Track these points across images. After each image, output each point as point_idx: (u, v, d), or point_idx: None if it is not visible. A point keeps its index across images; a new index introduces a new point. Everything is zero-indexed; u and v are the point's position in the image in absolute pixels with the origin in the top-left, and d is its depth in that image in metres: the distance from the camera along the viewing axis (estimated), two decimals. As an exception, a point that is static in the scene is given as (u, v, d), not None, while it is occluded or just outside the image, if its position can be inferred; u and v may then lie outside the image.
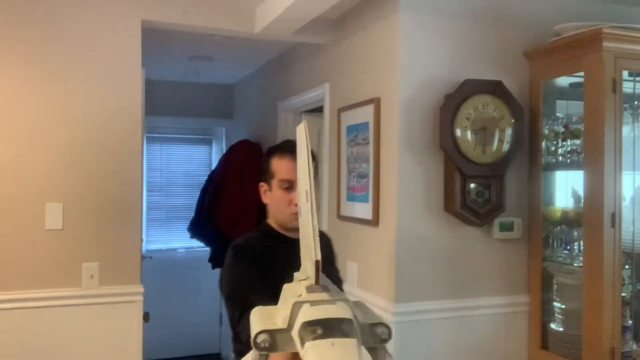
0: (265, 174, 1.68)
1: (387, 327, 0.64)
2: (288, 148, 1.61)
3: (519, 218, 2.40)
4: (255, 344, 0.60)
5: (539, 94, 2.37)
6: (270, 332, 0.61)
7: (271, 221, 1.71)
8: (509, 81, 2.31)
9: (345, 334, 0.57)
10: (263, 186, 1.70)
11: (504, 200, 2.28)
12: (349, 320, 0.58)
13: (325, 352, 0.55)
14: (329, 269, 1.69)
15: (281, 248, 1.58)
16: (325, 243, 1.83)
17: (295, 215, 1.49)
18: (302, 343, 0.57)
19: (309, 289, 0.64)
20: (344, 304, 0.61)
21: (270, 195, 1.66)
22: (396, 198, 2.21)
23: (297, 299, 0.62)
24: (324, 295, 0.63)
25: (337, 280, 1.81)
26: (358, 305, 0.68)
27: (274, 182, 1.63)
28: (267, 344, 0.60)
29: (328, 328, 0.57)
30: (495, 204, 2.27)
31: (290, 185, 1.58)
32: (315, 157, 1.62)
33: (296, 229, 1.51)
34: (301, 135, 0.70)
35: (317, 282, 0.61)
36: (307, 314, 0.59)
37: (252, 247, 1.65)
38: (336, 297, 0.63)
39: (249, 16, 2.73)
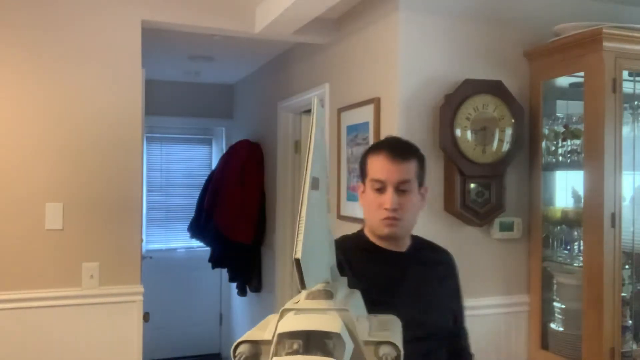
0: (361, 173, 1.52)
1: (396, 347, 0.55)
2: (386, 144, 1.47)
3: (519, 218, 2.40)
4: (234, 355, 0.54)
5: (539, 94, 2.37)
6: (253, 343, 0.54)
7: (366, 228, 1.53)
8: (509, 81, 2.31)
9: (326, 352, 0.48)
10: (360, 187, 1.53)
11: (504, 200, 2.28)
12: (336, 335, 0.49)
13: None
14: (436, 288, 1.51)
15: (371, 260, 1.45)
16: (443, 261, 1.60)
17: (386, 221, 1.39)
18: (272, 357, 0.50)
19: (309, 295, 0.56)
20: (336, 315, 0.52)
21: (364, 197, 1.49)
22: (396, 198, 2.21)
23: (289, 306, 0.55)
24: (318, 303, 0.55)
25: (449, 298, 1.57)
26: (371, 318, 0.60)
27: (367, 182, 1.46)
28: (244, 356, 0.53)
29: (307, 343, 0.49)
30: (495, 204, 2.27)
31: (382, 187, 1.40)
32: (423, 160, 1.47)
33: (390, 239, 1.44)
34: (312, 114, 0.61)
35: (301, 285, 0.50)
36: (286, 324, 0.51)
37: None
38: (336, 307, 0.54)
39: (249, 16, 2.73)
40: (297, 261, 0.48)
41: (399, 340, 0.56)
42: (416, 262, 1.49)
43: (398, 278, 1.44)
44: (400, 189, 1.39)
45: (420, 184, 1.45)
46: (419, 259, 1.50)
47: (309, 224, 0.51)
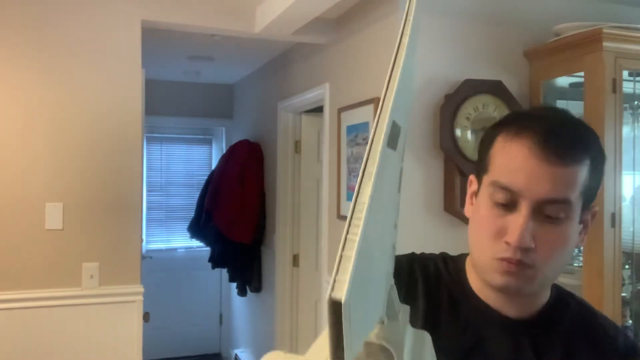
0: (478, 163, 0.84)
1: None
2: (539, 123, 0.76)
3: (519, 218, 2.40)
4: None
5: (539, 94, 2.37)
6: None
7: (469, 264, 0.90)
8: (509, 81, 2.31)
9: None
10: (472, 183, 0.86)
11: (504, 200, 2.28)
12: None
13: None
14: None
15: (455, 316, 0.84)
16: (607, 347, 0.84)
17: (504, 264, 0.76)
18: None
19: None
20: None
21: (474, 209, 0.84)
22: (396, 198, 2.21)
23: None
24: None
25: None
26: None
27: (484, 184, 0.80)
28: None
29: None
30: (495, 204, 2.26)
31: (511, 201, 0.75)
32: (600, 160, 0.79)
33: (505, 292, 0.79)
34: (406, 16, 0.37)
35: (337, 344, 0.29)
36: None
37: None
38: None
39: (249, 16, 2.73)
40: (338, 305, 0.28)
41: None
42: (542, 345, 0.81)
43: None
44: (547, 213, 0.74)
45: (586, 204, 0.79)
46: (552, 340, 0.82)
47: (370, 222, 0.31)
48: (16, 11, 2.34)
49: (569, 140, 0.74)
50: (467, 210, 0.86)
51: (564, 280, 2.32)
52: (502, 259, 0.75)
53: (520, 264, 0.74)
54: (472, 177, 0.85)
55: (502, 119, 0.83)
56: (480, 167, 0.82)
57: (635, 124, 2.22)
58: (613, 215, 2.04)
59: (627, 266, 2.18)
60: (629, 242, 2.17)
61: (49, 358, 2.37)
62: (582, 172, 0.74)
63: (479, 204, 0.80)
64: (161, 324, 4.57)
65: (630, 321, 2.19)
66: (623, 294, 2.12)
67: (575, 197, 0.74)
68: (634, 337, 2.20)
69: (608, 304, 2.03)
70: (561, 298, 0.88)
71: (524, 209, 0.73)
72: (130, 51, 2.50)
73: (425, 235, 2.26)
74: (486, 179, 0.79)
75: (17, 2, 2.34)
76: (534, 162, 0.72)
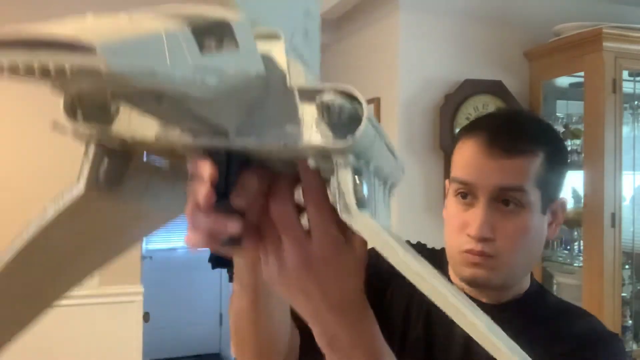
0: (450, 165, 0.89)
1: (353, 99, 0.37)
2: (488, 122, 0.87)
3: (519, 218, 2.40)
4: None
5: (539, 94, 2.37)
6: None
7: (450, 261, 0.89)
8: (509, 81, 2.31)
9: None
10: (447, 186, 0.89)
11: (504, 200, 2.28)
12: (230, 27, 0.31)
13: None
14: None
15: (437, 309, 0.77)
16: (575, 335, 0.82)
17: (468, 256, 0.79)
18: None
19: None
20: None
21: (446, 205, 0.88)
22: (396, 198, 2.21)
23: None
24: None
25: None
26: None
27: (450, 182, 0.86)
28: None
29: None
30: (495, 204, 2.26)
31: (468, 195, 0.80)
32: (558, 153, 0.84)
33: (474, 284, 0.81)
34: None
35: None
36: None
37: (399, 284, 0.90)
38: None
39: (249, 16, 2.73)
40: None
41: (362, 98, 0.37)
42: (516, 328, 0.76)
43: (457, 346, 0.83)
44: (503, 200, 0.78)
45: (549, 196, 0.81)
46: (518, 325, 0.79)
47: None
48: (16, 11, 2.34)
49: (514, 136, 0.79)
50: (444, 210, 0.89)
51: (564, 280, 2.32)
52: (466, 251, 0.79)
53: (483, 255, 0.78)
54: (447, 181, 0.88)
55: (465, 126, 0.90)
56: (450, 169, 0.87)
57: (635, 124, 2.22)
58: (613, 215, 2.04)
59: (627, 266, 2.19)
60: (629, 242, 2.17)
61: (49, 358, 2.36)
62: (533, 164, 0.78)
63: (448, 202, 0.86)
64: (161, 324, 4.56)
65: (631, 321, 2.19)
66: (623, 294, 2.12)
67: (529, 185, 0.77)
68: (633, 337, 2.20)
69: (608, 304, 2.03)
70: (539, 292, 0.89)
71: (481, 202, 0.78)
72: (130, 51, 2.50)
73: (425, 235, 2.25)
74: (450, 178, 0.84)
75: (17, 2, 2.34)
76: (482, 157, 0.78)
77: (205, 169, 0.40)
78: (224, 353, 5.13)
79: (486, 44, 2.36)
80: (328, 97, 0.37)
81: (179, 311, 4.97)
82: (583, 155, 2.17)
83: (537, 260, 0.86)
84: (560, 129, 2.36)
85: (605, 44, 2.04)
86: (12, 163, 2.35)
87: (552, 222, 0.84)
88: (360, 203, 0.38)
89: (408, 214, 2.22)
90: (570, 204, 2.38)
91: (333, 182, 0.39)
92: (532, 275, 0.89)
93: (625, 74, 2.09)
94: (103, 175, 0.44)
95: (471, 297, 0.82)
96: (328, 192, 0.41)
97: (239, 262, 0.59)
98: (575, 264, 2.27)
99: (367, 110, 0.37)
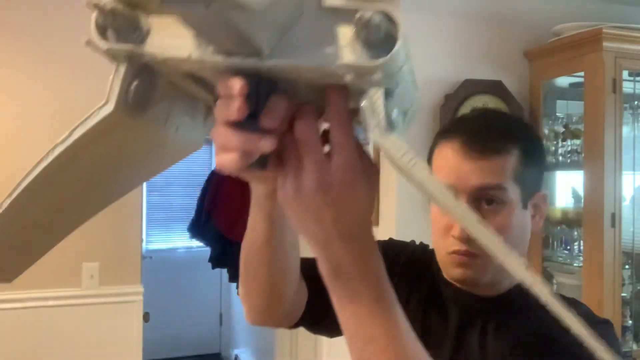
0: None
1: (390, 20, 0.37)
2: (464, 126, 0.90)
3: (519, 218, 2.40)
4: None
5: (539, 94, 2.37)
6: None
7: None
8: (509, 81, 2.31)
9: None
10: None
11: (504, 200, 2.28)
12: None
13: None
14: None
15: (433, 302, 0.91)
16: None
17: (454, 257, 0.83)
18: None
19: None
20: None
21: (431, 212, 0.91)
22: (396, 198, 2.21)
23: None
24: None
25: None
26: None
27: None
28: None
29: None
30: (495, 204, 2.26)
31: None
32: (533, 150, 0.86)
33: (468, 283, 0.83)
34: None
35: None
36: None
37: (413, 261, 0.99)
38: None
39: (249, 16, 2.73)
40: None
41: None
42: (513, 317, 0.84)
43: (450, 338, 0.87)
44: (485, 200, 0.81)
45: (529, 191, 0.83)
46: (519, 314, 0.83)
47: None
48: (16, 11, 2.34)
49: (488, 136, 0.82)
50: (430, 215, 0.92)
51: (564, 280, 2.32)
52: (453, 252, 0.82)
53: (469, 255, 0.81)
54: None
55: (441, 130, 0.96)
56: None
57: (635, 124, 2.22)
58: (613, 215, 2.04)
59: (627, 266, 2.18)
60: (629, 242, 2.17)
61: (49, 358, 2.36)
62: (509, 161, 0.81)
63: (432, 206, 0.89)
64: (161, 324, 4.56)
65: (631, 321, 2.19)
66: (623, 294, 2.12)
67: (508, 182, 0.80)
68: (633, 337, 2.20)
69: (608, 304, 2.03)
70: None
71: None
72: (130, 51, 2.50)
73: (425, 235, 2.25)
74: None
75: (14, 3, 2.34)
76: (459, 160, 0.81)
77: (236, 85, 0.40)
78: (224, 353, 5.13)
79: (486, 44, 2.36)
80: (364, 16, 0.37)
81: (179, 311, 4.97)
82: (583, 155, 2.17)
83: (525, 253, 0.89)
84: (560, 129, 2.36)
85: (605, 44, 2.04)
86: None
87: (535, 215, 0.86)
88: (390, 123, 0.40)
89: (408, 214, 2.22)
90: (570, 204, 2.38)
91: (364, 102, 0.40)
92: None
93: (625, 74, 2.09)
94: (132, 96, 0.44)
95: (466, 291, 0.85)
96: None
97: (257, 190, 0.61)
98: (575, 264, 2.27)
99: (402, 30, 0.39)
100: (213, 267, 4.41)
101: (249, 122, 0.42)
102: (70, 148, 0.44)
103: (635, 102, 2.23)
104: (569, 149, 2.33)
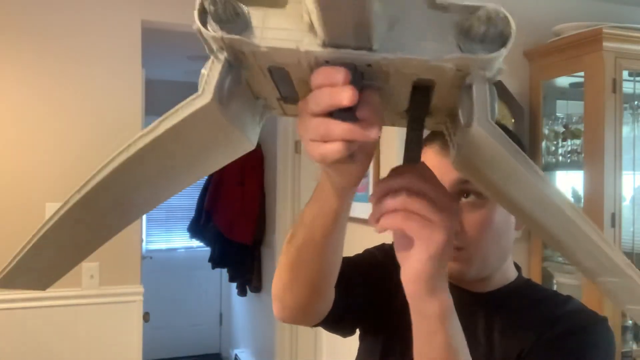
0: None
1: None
2: (439, 132, 0.91)
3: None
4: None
5: (539, 94, 2.37)
6: None
7: None
8: (509, 81, 2.31)
9: None
10: None
11: (504, 200, 2.28)
12: None
13: None
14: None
15: None
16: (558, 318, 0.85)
17: None
18: None
19: None
20: None
21: None
22: (396, 198, 2.21)
23: None
24: None
25: None
26: None
27: None
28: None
29: None
30: (495, 204, 2.26)
31: None
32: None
33: (454, 278, 0.83)
34: None
35: None
36: None
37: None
38: None
39: (249, 16, 2.73)
40: None
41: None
42: (506, 314, 0.86)
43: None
44: (467, 192, 0.84)
45: None
46: (512, 311, 0.86)
47: None
48: (16, 11, 2.34)
49: None
50: None
51: (564, 280, 2.32)
52: None
53: (454, 248, 0.82)
54: None
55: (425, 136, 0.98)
56: None
57: (635, 124, 2.22)
58: (613, 215, 2.04)
59: (627, 266, 2.18)
60: (629, 242, 2.17)
61: (49, 358, 2.36)
62: None
63: None
64: (161, 324, 4.56)
65: (631, 321, 2.19)
66: (623, 294, 2.12)
67: None
68: (633, 337, 2.20)
69: (608, 304, 2.03)
70: (526, 282, 0.93)
71: None
72: (130, 51, 2.50)
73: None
74: None
75: (17, 3, 2.34)
76: (439, 159, 0.84)
77: (342, 74, 0.41)
78: (224, 353, 5.13)
79: (486, 44, 2.36)
80: (483, 13, 0.40)
81: (179, 311, 4.97)
82: (583, 155, 2.17)
83: (509, 252, 0.90)
84: (560, 129, 2.36)
85: (605, 44, 2.04)
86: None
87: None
88: (492, 114, 0.43)
89: (408, 214, 2.22)
90: (570, 204, 2.37)
91: (467, 94, 0.43)
92: (520, 270, 0.93)
93: (625, 74, 2.09)
94: (227, 88, 0.44)
95: (458, 287, 0.85)
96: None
97: (332, 184, 0.61)
98: (575, 264, 2.27)
99: (515, 28, 0.41)
100: (213, 267, 4.41)
101: (342, 113, 0.42)
102: (156, 139, 0.44)
103: (635, 102, 2.23)
104: (569, 149, 2.33)
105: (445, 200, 0.53)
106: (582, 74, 2.16)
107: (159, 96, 4.59)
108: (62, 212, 0.47)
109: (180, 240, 5.01)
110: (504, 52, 0.41)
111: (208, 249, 4.40)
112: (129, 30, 2.50)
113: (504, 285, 0.89)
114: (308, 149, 0.48)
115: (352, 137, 0.44)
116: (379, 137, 0.45)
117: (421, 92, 0.46)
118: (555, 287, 2.37)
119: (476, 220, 0.82)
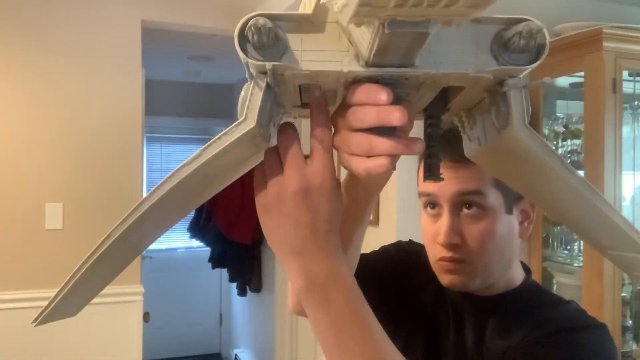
0: None
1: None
2: (442, 137, 0.89)
3: (519, 218, 2.40)
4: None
5: (539, 94, 2.37)
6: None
7: None
8: (509, 81, 2.31)
9: None
10: None
11: (504, 200, 2.28)
12: None
13: None
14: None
15: (433, 297, 0.93)
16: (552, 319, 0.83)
17: (442, 264, 0.84)
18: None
19: None
20: None
21: (421, 221, 0.91)
22: (396, 197, 2.21)
23: None
24: None
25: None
26: None
27: (419, 198, 0.90)
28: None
29: None
30: (495, 204, 2.26)
31: (434, 206, 0.85)
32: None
33: (457, 289, 0.84)
34: None
35: None
36: None
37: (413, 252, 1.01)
38: None
39: (249, 16, 2.73)
40: None
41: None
42: (508, 317, 0.84)
43: (452, 335, 0.89)
44: (466, 205, 0.82)
45: (513, 196, 0.84)
46: (514, 315, 0.84)
47: None
48: (16, 11, 2.34)
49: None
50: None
51: (564, 280, 2.32)
52: (440, 260, 0.83)
53: (454, 261, 0.82)
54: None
55: None
56: None
57: (635, 124, 2.22)
58: (613, 215, 2.04)
59: (627, 266, 2.18)
60: (629, 242, 2.17)
61: (49, 358, 2.36)
62: None
63: (421, 216, 0.90)
64: (161, 324, 4.56)
65: (630, 321, 2.19)
66: (623, 294, 2.12)
67: (487, 188, 0.81)
68: (633, 337, 2.20)
69: (608, 304, 2.03)
70: (532, 286, 0.90)
71: (445, 210, 0.82)
72: (130, 51, 2.50)
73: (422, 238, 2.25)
74: (418, 193, 0.90)
75: (17, 2, 2.34)
76: (442, 170, 0.80)
77: (384, 95, 0.42)
78: (224, 353, 5.13)
79: (486, 44, 2.36)
80: (525, 27, 0.44)
81: (179, 311, 4.97)
82: (583, 155, 2.17)
83: (514, 259, 0.88)
84: (560, 129, 2.36)
85: (605, 44, 2.04)
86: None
87: (523, 221, 0.87)
88: (528, 119, 0.45)
89: (408, 213, 2.22)
90: (570, 204, 2.37)
91: (502, 100, 0.45)
92: (529, 272, 0.91)
93: (625, 74, 2.09)
94: (267, 110, 0.46)
95: (463, 291, 0.85)
96: (492, 111, 0.47)
97: (364, 186, 0.61)
98: (575, 264, 2.27)
99: (549, 39, 0.44)
100: (213, 267, 4.41)
101: (383, 128, 0.44)
102: (200, 167, 0.46)
103: (635, 102, 2.23)
104: (569, 149, 2.33)
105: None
106: (582, 74, 2.16)
107: (159, 96, 4.59)
108: (103, 248, 0.51)
109: (180, 240, 5.01)
110: (538, 63, 0.44)
111: (208, 249, 4.40)
112: (129, 30, 2.50)
113: (511, 287, 0.87)
114: (349, 163, 0.48)
115: (397, 153, 0.45)
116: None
117: (441, 92, 0.48)
118: (555, 287, 2.37)
119: (478, 232, 0.80)
